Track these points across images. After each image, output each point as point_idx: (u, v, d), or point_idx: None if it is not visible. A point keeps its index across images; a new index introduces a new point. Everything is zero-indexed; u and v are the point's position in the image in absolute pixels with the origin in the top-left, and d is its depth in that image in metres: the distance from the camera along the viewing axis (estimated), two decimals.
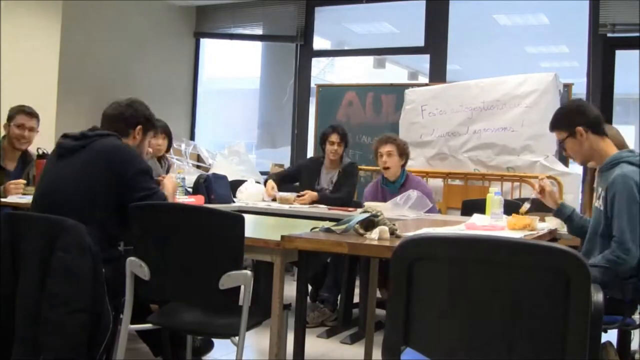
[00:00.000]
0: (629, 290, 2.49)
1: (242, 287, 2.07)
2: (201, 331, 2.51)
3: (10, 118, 3.93)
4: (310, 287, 4.20)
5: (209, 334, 2.69)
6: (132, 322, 2.25)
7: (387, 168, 4.24)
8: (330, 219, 3.08)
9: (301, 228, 2.49)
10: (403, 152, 4.23)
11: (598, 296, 1.73)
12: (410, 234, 1.97)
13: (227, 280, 2.05)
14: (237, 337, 2.09)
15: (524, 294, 1.36)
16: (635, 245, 2.46)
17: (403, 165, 4.28)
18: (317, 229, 2.29)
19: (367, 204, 3.88)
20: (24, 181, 3.76)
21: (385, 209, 3.20)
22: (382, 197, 4.20)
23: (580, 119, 2.69)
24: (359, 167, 4.94)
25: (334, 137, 4.49)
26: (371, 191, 4.37)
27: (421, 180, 4.40)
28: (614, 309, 2.43)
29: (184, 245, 2.14)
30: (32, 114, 3.97)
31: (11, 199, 3.57)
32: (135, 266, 2.19)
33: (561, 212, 2.94)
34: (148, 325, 2.30)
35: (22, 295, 2.17)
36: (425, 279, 1.46)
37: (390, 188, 4.26)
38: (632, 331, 2.81)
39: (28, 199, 3.53)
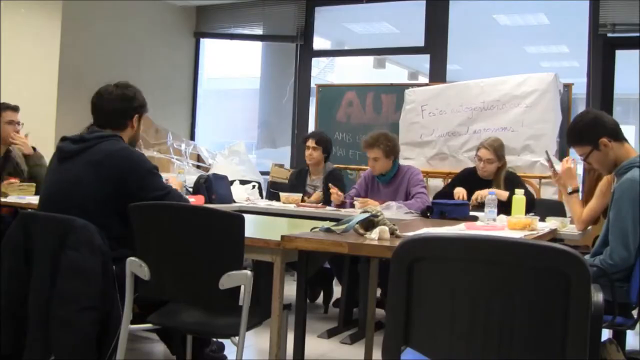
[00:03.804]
0: (621, 294, 2.51)
1: (242, 287, 2.07)
2: (201, 331, 2.51)
3: None
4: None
5: (209, 334, 2.68)
6: (136, 322, 2.26)
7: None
8: (330, 219, 3.08)
9: (301, 228, 2.49)
10: (390, 153, 4.27)
11: (598, 296, 1.73)
12: (410, 234, 1.97)
13: (227, 280, 2.05)
14: (237, 337, 2.09)
15: (524, 294, 1.36)
16: (633, 249, 2.47)
17: (394, 160, 4.33)
18: (317, 229, 2.29)
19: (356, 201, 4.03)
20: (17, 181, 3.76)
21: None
22: (375, 186, 4.41)
23: (601, 130, 2.66)
24: (360, 167, 5.00)
25: (310, 142, 4.76)
26: (366, 175, 4.49)
27: (410, 167, 4.43)
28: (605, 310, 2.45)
29: (184, 245, 2.13)
30: (16, 108, 3.94)
31: (11, 199, 3.57)
32: (135, 266, 2.19)
33: None
34: (148, 325, 2.30)
35: (34, 294, 2.18)
36: (425, 279, 1.46)
37: (382, 180, 4.39)
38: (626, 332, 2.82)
39: (28, 200, 3.54)
